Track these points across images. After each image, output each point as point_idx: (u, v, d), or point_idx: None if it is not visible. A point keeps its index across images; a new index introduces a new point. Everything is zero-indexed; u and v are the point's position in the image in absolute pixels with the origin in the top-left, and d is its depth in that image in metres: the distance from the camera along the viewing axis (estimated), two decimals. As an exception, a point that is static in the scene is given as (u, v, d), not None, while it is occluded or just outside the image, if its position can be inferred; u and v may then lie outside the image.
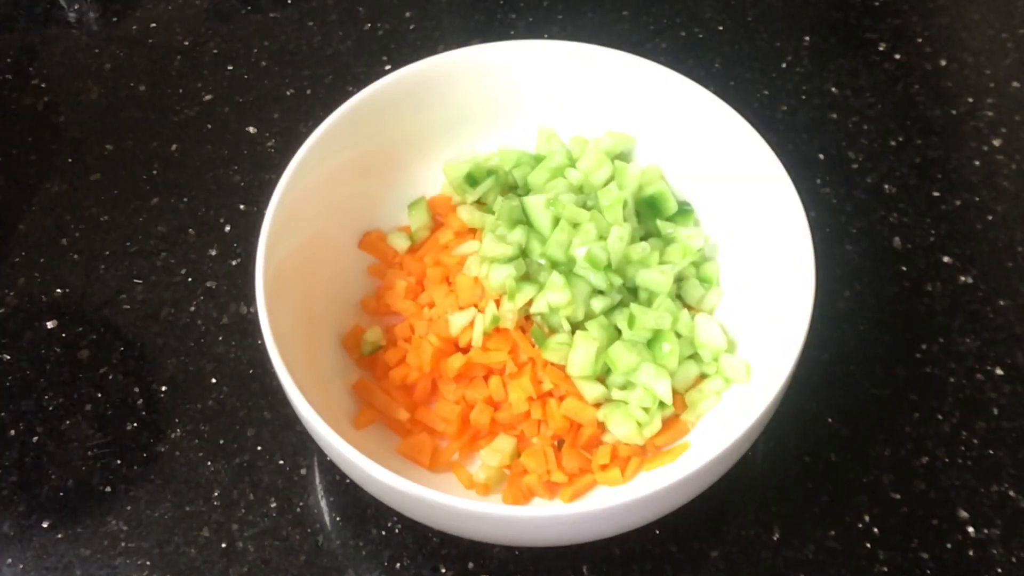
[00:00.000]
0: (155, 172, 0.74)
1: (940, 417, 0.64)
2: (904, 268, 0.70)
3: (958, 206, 0.73)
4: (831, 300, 0.68)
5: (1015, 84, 0.78)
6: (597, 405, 0.60)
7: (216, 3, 0.83)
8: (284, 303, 0.56)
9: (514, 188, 0.67)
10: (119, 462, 0.62)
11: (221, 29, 0.81)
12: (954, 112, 0.77)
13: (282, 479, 0.62)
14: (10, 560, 0.59)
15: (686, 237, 0.64)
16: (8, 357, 0.66)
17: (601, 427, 0.60)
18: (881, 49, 0.80)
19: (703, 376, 0.62)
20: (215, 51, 0.80)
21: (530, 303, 0.61)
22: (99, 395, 0.65)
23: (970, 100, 0.78)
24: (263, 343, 0.53)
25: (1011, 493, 0.61)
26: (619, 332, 0.61)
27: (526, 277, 0.61)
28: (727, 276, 0.64)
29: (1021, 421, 0.64)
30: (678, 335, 0.61)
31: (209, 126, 0.76)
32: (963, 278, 0.69)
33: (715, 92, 0.61)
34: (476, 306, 0.62)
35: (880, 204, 0.73)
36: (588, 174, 0.65)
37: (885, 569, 0.59)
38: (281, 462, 0.62)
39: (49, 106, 0.77)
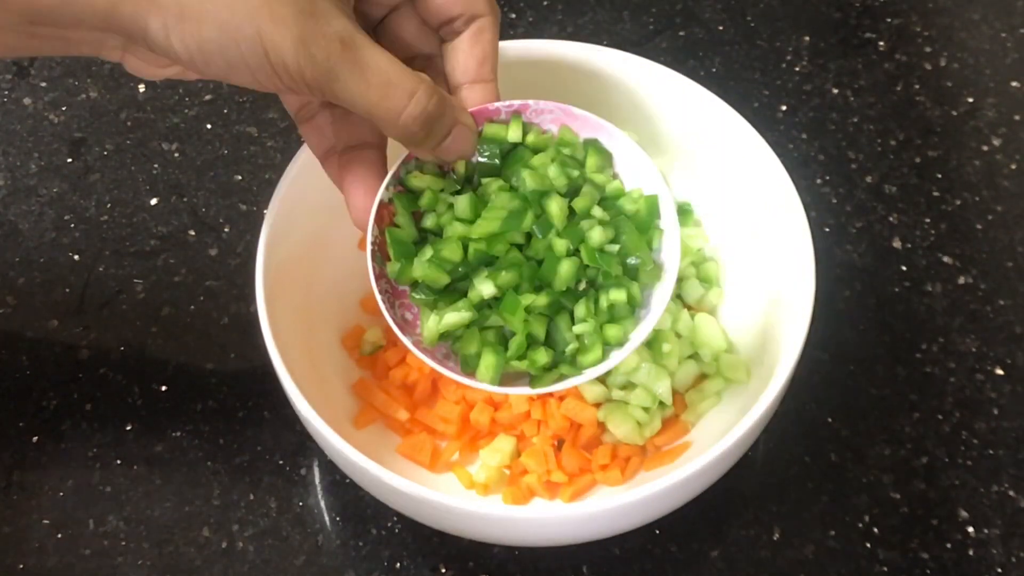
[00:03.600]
0: (155, 172, 0.74)
1: (940, 417, 0.64)
2: (904, 268, 0.70)
3: (958, 206, 0.72)
4: (831, 300, 0.67)
5: (1015, 84, 0.78)
6: (597, 405, 0.60)
7: (216, 3, 0.83)
8: (284, 303, 0.56)
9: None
10: (119, 462, 0.62)
11: (221, 29, 0.81)
12: (954, 112, 0.77)
13: (282, 479, 0.62)
14: (10, 560, 0.59)
15: (686, 237, 0.64)
16: (8, 357, 0.66)
17: (601, 427, 0.60)
18: (881, 49, 0.80)
19: (703, 376, 0.62)
20: (215, 51, 0.80)
21: (530, 303, 0.61)
22: (99, 395, 0.65)
23: (970, 100, 0.78)
24: (263, 343, 0.53)
25: (1011, 493, 0.61)
26: (619, 332, 0.61)
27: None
28: (727, 276, 0.64)
29: (1021, 421, 0.64)
30: (678, 335, 0.61)
31: (209, 126, 0.76)
32: (963, 278, 0.69)
33: (715, 92, 0.61)
34: (476, 306, 0.62)
35: (880, 204, 0.72)
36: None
37: (885, 569, 0.59)
38: (281, 462, 0.62)
39: (49, 106, 0.77)
